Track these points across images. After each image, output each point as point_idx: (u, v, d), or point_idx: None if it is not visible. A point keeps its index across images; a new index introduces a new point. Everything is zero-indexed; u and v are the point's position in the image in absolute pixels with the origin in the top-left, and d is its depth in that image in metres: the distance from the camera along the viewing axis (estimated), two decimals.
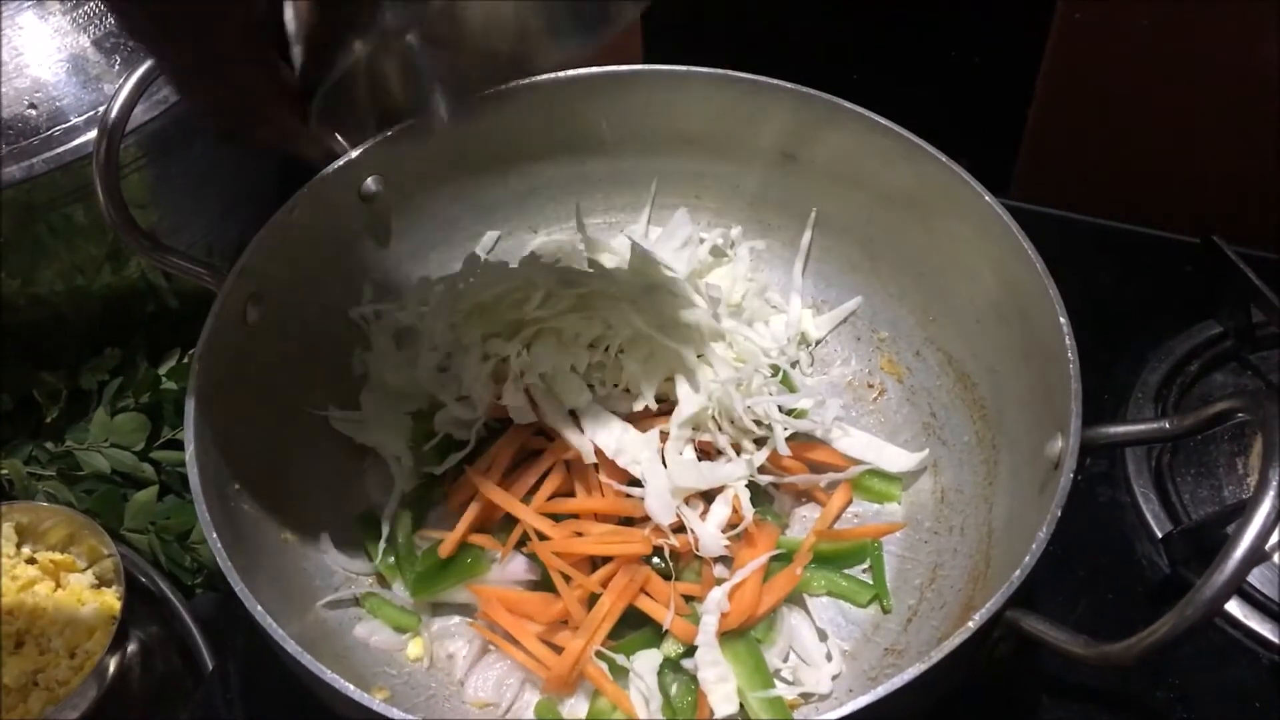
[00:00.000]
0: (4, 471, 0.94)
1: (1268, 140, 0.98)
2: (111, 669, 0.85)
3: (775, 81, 0.89)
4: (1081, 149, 1.09)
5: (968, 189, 0.82)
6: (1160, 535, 0.87)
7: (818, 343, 0.95)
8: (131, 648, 0.89)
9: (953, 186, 0.83)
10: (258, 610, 0.64)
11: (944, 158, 0.84)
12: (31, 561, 0.90)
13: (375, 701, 0.60)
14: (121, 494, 0.95)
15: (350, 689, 0.61)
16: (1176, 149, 1.04)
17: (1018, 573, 0.61)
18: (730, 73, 0.91)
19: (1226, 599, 0.52)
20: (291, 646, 0.63)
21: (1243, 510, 0.54)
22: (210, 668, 0.86)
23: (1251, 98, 0.97)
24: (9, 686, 0.83)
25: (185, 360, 0.99)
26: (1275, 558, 0.84)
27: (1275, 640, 0.81)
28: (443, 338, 0.84)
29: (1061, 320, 0.72)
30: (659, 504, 0.76)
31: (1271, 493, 0.54)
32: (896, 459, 0.86)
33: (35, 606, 0.88)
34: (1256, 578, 0.83)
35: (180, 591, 0.92)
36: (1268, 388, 0.95)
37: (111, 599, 0.88)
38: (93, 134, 0.81)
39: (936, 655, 0.58)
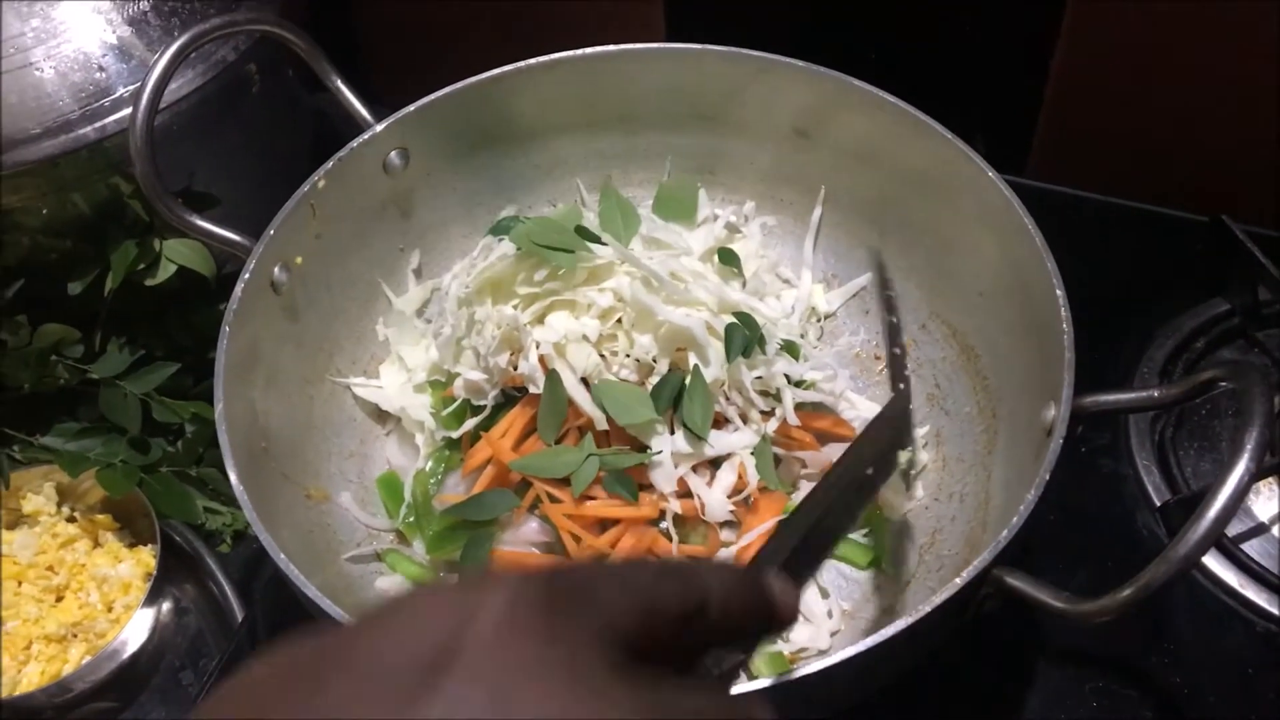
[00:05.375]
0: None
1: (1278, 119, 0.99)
2: (147, 623, 0.89)
3: (787, 60, 0.91)
4: (1097, 128, 1.10)
5: (973, 167, 0.84)
6: (1159, 505, 0.88)
7: (827, 316, 0.97)
8: (166, 604, 0.93)
9: (960, 164, 0.85)
10: (281, 559, 0.67)
11: (951, 136, 0.85)
12: (71, 520, 0.95)
13: None
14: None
15: None
16: (1190, 128, 1.05)
17: (1005, 532, 0.63)
18: (745, 51, 0.92)
19: (1198, 557, 0.54)
20: (314, 593, 0.65)
21: None
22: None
23: (1267, 76, 0.97)
24: (50, 637, 0.88)
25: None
26: (1274, 530, 0.86)
27: (1270, 609, 0.82)
28: (460, 309, 0.87)
29: (1058, 294, 0.74)
30: (661, 472, 0.79)
31: (1245, 457, 0.55)
32: None
33: (74, 563, 0.92)
34: (1255, 549, 0.85)
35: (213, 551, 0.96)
36: (1271, 364, 0.96)
37: (147, 556, 0.92)
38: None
39: (925, 608, 0.61)
